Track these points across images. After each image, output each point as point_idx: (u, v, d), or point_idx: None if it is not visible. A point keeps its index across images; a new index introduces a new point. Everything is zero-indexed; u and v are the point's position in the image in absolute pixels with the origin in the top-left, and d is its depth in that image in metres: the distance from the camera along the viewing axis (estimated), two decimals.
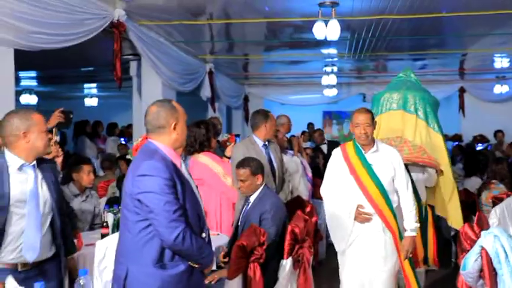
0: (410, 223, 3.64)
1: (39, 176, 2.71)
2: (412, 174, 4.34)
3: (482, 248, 2.67)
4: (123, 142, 9.93)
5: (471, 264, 2.74)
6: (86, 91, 14.35)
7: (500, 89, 12.29)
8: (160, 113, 2.48)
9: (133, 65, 7.71)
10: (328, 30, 5.88)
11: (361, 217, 3.58)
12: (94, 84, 13.57)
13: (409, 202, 3.70)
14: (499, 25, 7.39)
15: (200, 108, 10.00)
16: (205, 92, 9.41)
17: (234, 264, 2.83)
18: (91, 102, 14.46)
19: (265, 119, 4.52)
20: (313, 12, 6.07)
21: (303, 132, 10.42)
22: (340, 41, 7.31)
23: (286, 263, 3.51)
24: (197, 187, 2.67)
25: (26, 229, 2.62)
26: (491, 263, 2.64)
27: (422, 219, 4.65)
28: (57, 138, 3.58)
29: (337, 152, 3.78)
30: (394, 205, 3.65)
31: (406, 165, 3.91)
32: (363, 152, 3.64)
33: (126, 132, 10.02)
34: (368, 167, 3.61)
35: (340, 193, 3.68)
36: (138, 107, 7.66)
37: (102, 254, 2.66)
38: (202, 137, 3.93)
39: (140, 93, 7.59)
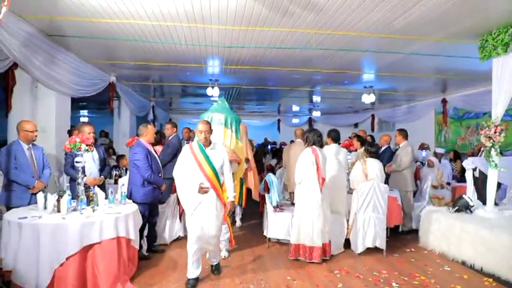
0: (231, 193, 4.85)
1: None
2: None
3: (265, 180, 6.14)
4: None
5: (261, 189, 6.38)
6: None
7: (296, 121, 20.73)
8: None
9: None
10: (214, 91, 11.29)
11: (202, 190, 4.69)
12: None
13: (230, 180, 4.87)
14: (293, 91, 13.30)
15: None
16: None
17: None
18: None
19: None
20: (206, 81, 11.19)
21: None
22: (220, 94, 11.72)
23: None
24: (159, 156, 5.80)
25: None
26: (268, 187, 6.15)
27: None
28: None
29: (187, 148, 4.80)
30: (221, 181, 4.83)
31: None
32: (204, 148, 4.74)
33: None
34: (207, 158, 4.71)
35: (187, 175, 4.71)
36: None
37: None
38: None
39: None
